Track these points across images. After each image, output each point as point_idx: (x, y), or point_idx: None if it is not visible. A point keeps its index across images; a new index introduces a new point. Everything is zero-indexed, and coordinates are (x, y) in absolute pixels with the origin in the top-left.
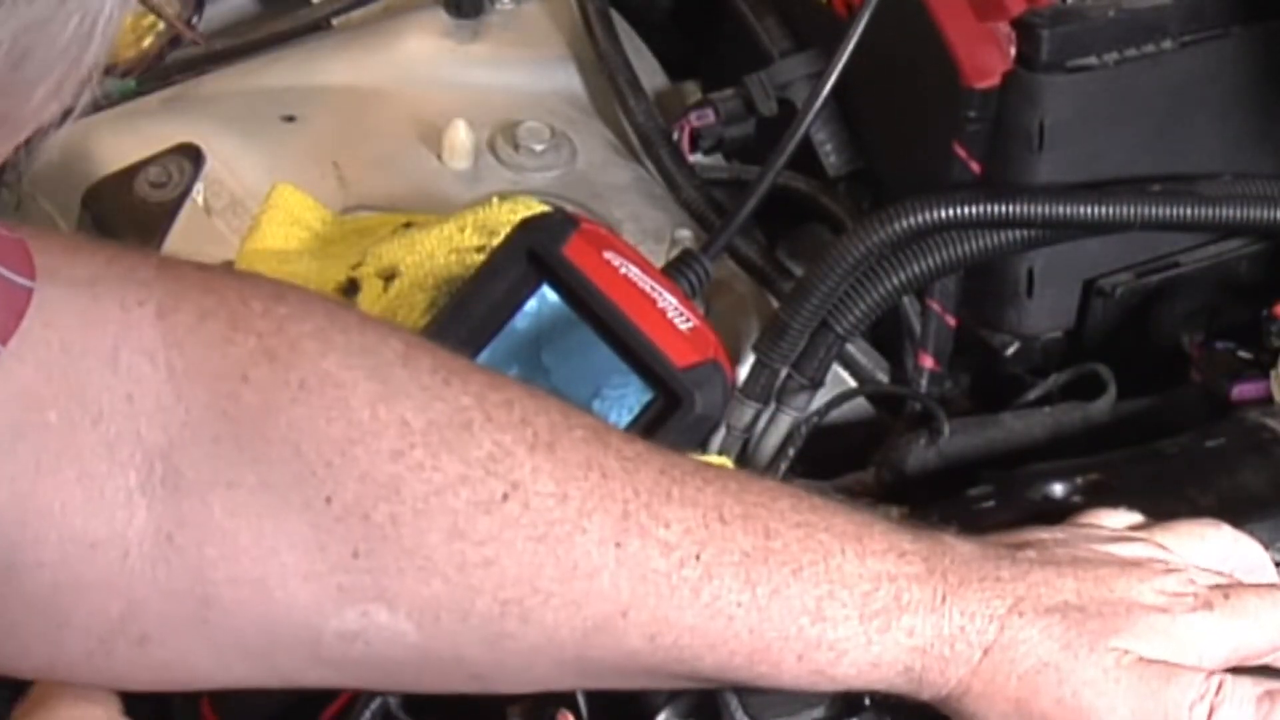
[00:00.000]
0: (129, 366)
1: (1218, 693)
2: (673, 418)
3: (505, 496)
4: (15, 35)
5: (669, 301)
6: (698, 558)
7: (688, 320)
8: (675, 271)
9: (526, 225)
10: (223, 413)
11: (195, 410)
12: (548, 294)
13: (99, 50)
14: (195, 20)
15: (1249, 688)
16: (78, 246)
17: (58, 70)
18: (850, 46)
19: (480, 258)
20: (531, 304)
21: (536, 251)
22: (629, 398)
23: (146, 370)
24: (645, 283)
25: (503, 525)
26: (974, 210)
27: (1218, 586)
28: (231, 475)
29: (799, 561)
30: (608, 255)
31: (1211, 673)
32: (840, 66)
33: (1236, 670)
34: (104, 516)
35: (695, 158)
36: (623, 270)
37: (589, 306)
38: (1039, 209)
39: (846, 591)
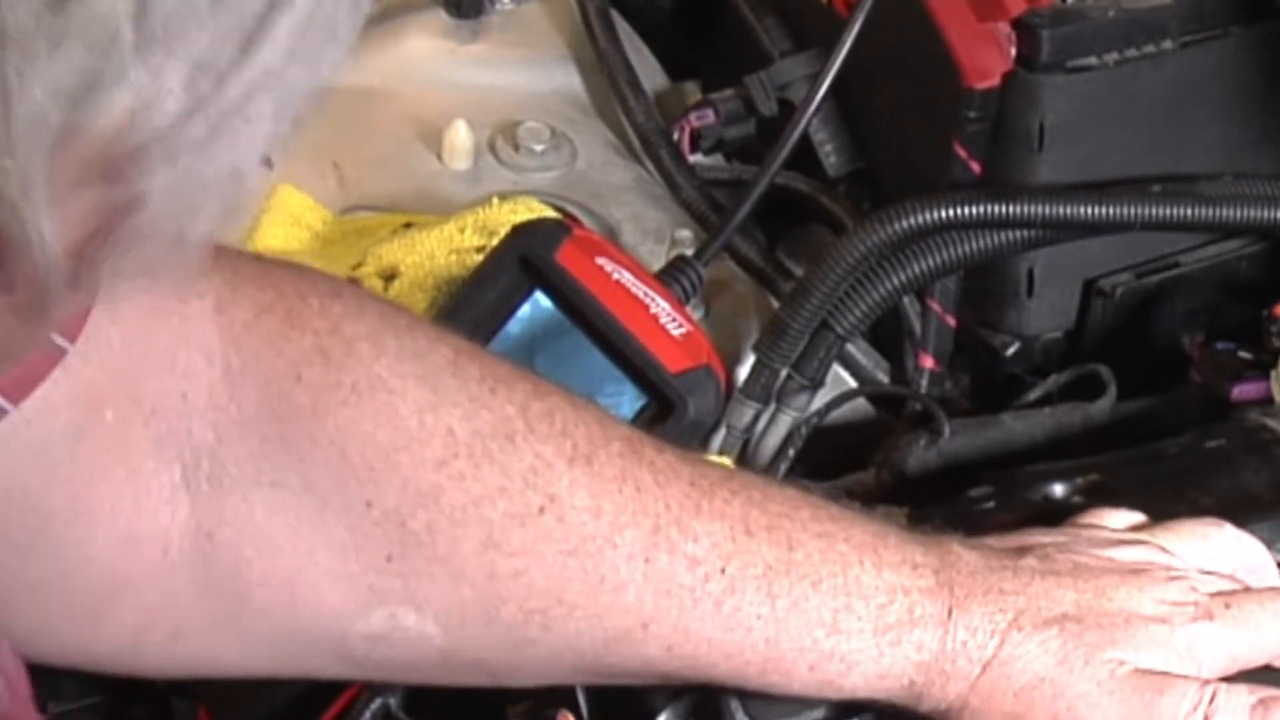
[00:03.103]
0: (186, 364)
1: (1211, 701)
2: (666, 423)
3: (542, 510)
4: (174, 182)
5: (662, 307)
6: (723, 571)
7: (680, 326)
8: (668, 277)
9: (519, 231)
10: (273, 412)
11: (247, 409)
12: (541, 300)
13: (242, 198)
14: None
15: (1243, 696)
16: None
17: (202, 215)
18: (847, 45)
19: (480, 258)
20: (525, 310)
21: (529, 258)
22: (622, 404)
23: (202, 367)
24: (638, 288)
25: (536, 538)
26: (974, 210)
27: (1219, 594)
28: (275, 475)
29: (819, 574)
30: (600, 261)
31: (1207, 681)
32: (837, 65)
33: (1236, 678)
34: (149, 513)
35: (695, 158)
36: (615, 276)
37: (582, 312)
38: (1039, 209)
39: (863, 604)
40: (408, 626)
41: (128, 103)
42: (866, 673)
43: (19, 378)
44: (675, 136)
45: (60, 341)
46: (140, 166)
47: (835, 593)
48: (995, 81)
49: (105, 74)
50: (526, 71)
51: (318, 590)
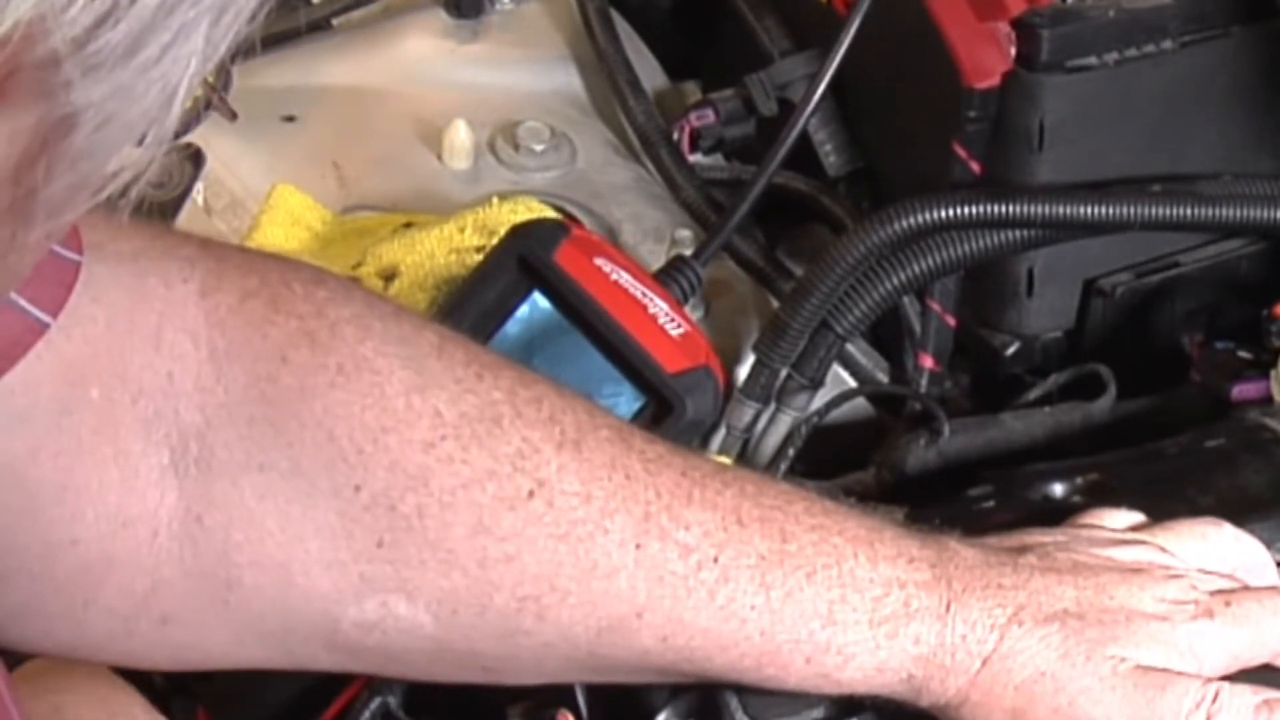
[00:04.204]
0: (172, 345)
1: (1214, 701)
2: (664, 424)
3: (531, 494)
4: (102, 100)
5: (660, 307)
6: (715, 560)
7: (679, 326)
8: (666, 277)
9: (517, 232)
10: (260, 394)
11: (234, 391)
12: (539, 300)
13: (175, 119)
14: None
15: (1247, 696)
16: (121, 222)
17: (135, 136)
18: (845, 45)
19: (480, 258)
20: (523, 310)
21: (527, 258)
22: (620, 404)
23: (188, 349)
24: (636, 289)
25: (526, 522)
26: (974, 210)
27: (1219, 592)
28: (264, 458)
29: (813, 565)
30: (599, 261)
31: (1209, 680)
32: (836, 64)
33: (1236, 676)
34: (137, 495)
35: (695, 158)
36: (614, 276)
37: (580, 313)
38: (1039, 209)
39: (858, 596)
40: (400, 615)
41: (31, 4)
42: (864, 666)
43: (1, 351)
44: (675, 136)
45: (40, 315)
46: (61, 78)
47: (830, 584)
48: (995, 81)
49: None
50: (526, 71)
51: (309, 576)
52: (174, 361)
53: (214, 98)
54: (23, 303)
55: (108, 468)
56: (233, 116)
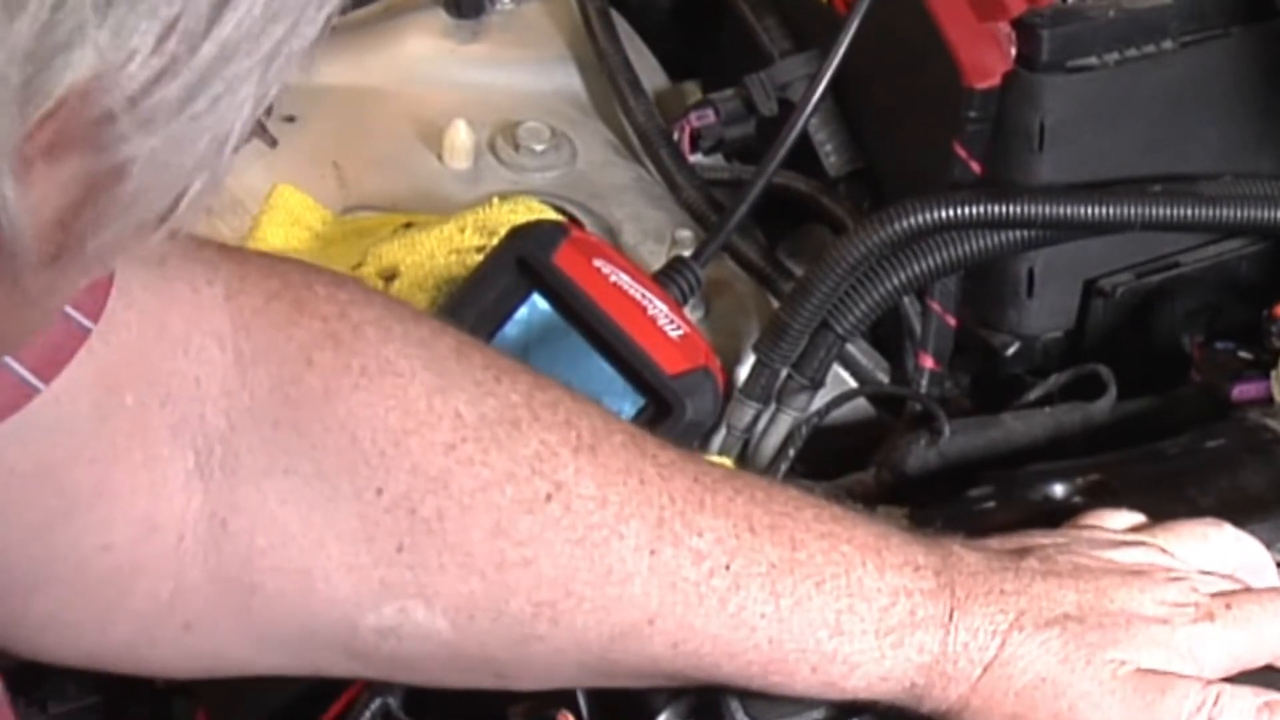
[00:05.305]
0: (199, 350)
1: (1215, 703)
2: (664, 425)
3: (549, 497)
4: (154, 151)
5: (659, 309)
6: (727, 568)
7: (678, 327)
8: (666, 278)
9: (516, 233)
10: (285, 397)
11: (259, 395)
12: (538, 302)
13: (227, 164)
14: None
15: (1249, 698)
16: None
17: (187, 182)
18: (844, 45)
19: (480, 258)
20: (522, 312)
21: (526, 260)
22: (620, 405)
23: (215, 353)
24: (635, 290)
25: (544, 526)
26: (974, 210)
27: (1220, 595)
28: (288, 462)
29: (822, 574)
30: (598, 263)
31: (1210, 682)
32: (836, 64)
33: (1237, 678)
34: (164, 500)
35: (695, 158)
36: (613, 278)
37: (579, 314)
38: (1039, 209)
39: (865, 605)
40: (418, 620)
41: (91, 64)
42: (869, 674)
43: (48, 357)
44: (675, 136)
45: (83, 320)
46: (116, 132)
47: (838, 594)
48: (995, 81)
49: (65, 35)
50: (526, 71)
51: (329, 582)
52: (201, 366)
53: (257, 127)
54: (67, 308)
55: (138, 473)
56: (273, 143)
